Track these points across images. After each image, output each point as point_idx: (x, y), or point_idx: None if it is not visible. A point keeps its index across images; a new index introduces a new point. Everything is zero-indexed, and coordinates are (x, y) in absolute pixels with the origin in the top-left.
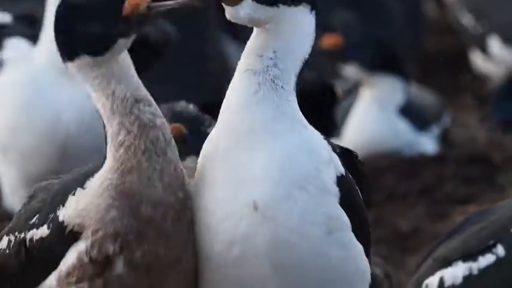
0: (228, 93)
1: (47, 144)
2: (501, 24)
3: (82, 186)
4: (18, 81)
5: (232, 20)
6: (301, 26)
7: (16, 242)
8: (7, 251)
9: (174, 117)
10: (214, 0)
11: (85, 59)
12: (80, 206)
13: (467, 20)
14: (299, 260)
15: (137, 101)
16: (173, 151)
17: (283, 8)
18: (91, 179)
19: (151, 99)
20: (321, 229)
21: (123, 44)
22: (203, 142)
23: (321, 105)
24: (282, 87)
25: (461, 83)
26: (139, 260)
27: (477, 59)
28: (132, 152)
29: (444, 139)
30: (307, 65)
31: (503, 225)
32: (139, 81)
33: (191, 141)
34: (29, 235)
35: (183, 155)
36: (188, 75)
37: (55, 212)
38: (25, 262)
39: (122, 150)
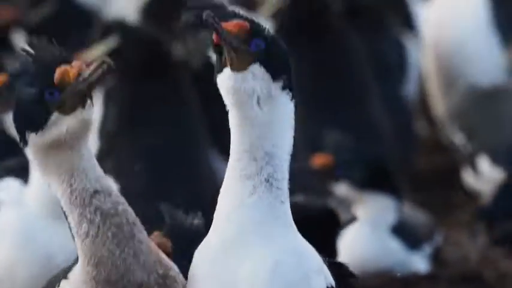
0: (220, 198)
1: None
2: (490, 145)
3: (66, 277)
4: (9, 226)
5: (231, 92)
6: (288, 115)
7: None
8: None
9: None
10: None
11: (32, 138)
12: None
13: (458, 138)
14: None
15: (96, 192)
16: (141, 231)
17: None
18: (72, 271)
19: (112, 188)
20: None
21: (62, 119)
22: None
23: (325, 231)
24: (277, 187)
25: (452, 201)
26: None
27: (468, 177)
28: (99, 241)
29: (436, 258)
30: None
31: None
32: (101, 171)
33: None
34: None
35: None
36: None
37: None
38: None
39: (88, 241)
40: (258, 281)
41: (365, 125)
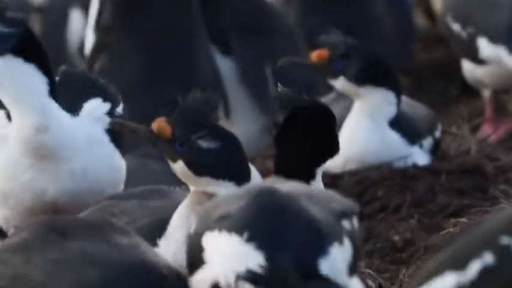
0: None
1: (38, 208)
2: (487, 26)
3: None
4: None
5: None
6: None
7: None
8: None
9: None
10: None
11: None
12: None
13: (455, 27)
14: None
15: None
16: None
17: None
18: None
19: None
20: None
21: None
22: (191, 152)
23: (321, 127)
24: None
25: (452, 94)
26: None
27: (468, 69)
28: None
29: (436, 151)
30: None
31: (492, 233)
32: None
33: (178, 146)
34: None
35: (173, 157)
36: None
37: None
38: None
39: None
40: None
41: (364, 20)
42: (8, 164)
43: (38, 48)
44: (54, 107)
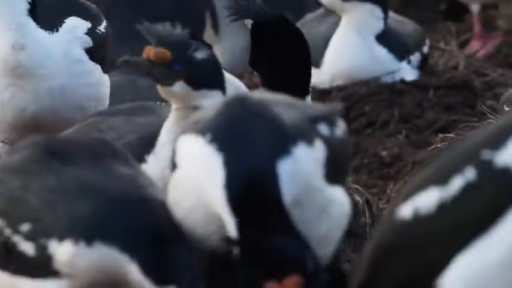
0: None
1: (20, 125)
2: None
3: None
4: None
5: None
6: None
7: None
8: None
9: (159, 41)
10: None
11: None
12: (76, 262)
13: None
14: None
15: None
16: None
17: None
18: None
19: None
20: None
21: None
22: (190, 67)
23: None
24: None
25: (441, 10)
26: None
27: None
28: None
29: (424, 66)
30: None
31: (474, 149)
32: None
33: (177, 66)
34: (14, 238)
35: (169, 81)
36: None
37: (47, 241)
38: (3, 250)
39: None
40: None
41: None
42: None
43: None
44: (31, 25)
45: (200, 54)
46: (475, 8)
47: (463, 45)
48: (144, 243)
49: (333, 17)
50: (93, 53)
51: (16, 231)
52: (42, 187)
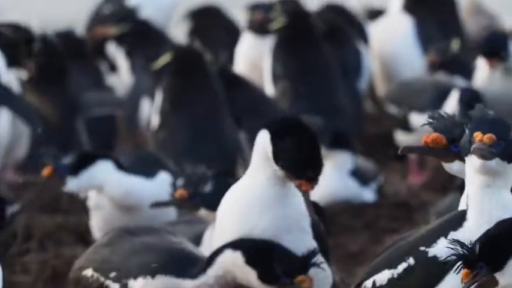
0: (248, 175)
1: None
2: (417, 105)
3: (153, 276)
4: None
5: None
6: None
7: (95, 279)
8: (89, 281)
9: (185, 182)
10: None
11: None
12: None
13: (392, 109)
14: None
15: None
16: None
17: None
18: (161, 276)
19: None
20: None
21: None
22: (203, 199)
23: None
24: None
25: (390, 155)
26: None
27: (400, 137)
28: None
29: (379, 191)
30: None
31: (413, 245)
32: None
33: (196, 199)
34: (106, 282)
35: (195, 208)
36: (206, 145)
37: (127, 280)
38: None
39: None
40: (269, 228)
41: (332, 106)
42: None
43: None
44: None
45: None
46: (412, 155)
47: (405, 178)
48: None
49: None
50: None
51: (107, 277)
52: (122, 250)
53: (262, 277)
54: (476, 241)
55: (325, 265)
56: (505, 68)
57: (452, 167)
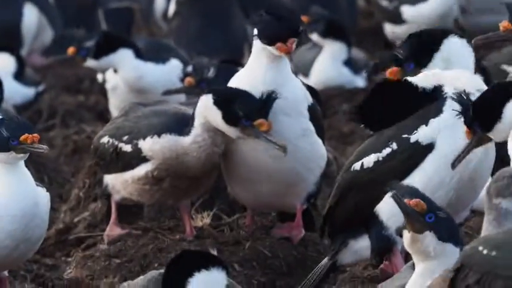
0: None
1: None
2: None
3: (159, 135)
4: None
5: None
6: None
7: (112, 144)
8: (105, 146)
9: (193, 70)
10: None
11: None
12: (154, 147)
13: (385, 4)
14: (289, 150)
15: None
16: (216, 154)
17: None
18: (167, 135)
19: None
20: (296, 135)
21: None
22: (208, 86)
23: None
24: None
25: (380, 44)
26: (177, 184)
27: (388, 29)
28: (200, 151)
29: (369, 78)
30: None
31: (397, 132)
32: None
33: (202, 85)
34: (120, 145)
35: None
36: (216, 35)
37: (138, 141)
38: (114, 158)
39: (196, 147)
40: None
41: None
42: None
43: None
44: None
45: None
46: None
47: None
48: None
49: (317, 47)
50: None
51: (121, 141)
52: (133, 117)
53: (225, 117)
54: (471, 103)
55: (321, 143)
56: None
57: None
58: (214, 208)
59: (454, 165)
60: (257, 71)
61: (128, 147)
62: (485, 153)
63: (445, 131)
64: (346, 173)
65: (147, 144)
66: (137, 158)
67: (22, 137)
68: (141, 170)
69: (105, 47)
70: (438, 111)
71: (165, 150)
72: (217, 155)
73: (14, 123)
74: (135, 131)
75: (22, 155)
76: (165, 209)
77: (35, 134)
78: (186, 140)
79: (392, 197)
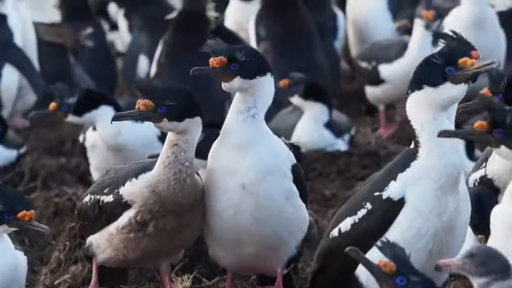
0: (226, 121)
1: None
2: (384, 59)
3: (136, 177)
4: None
5: (228, 91)
6: (267, 86)
7: (94, 200)
8: (88, 204)
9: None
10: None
11: None
12: (133, 190)
13: (364, 65)
14: (270, 215)
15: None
16: (191, 180)
17: (258, 79)
18: (143, 175)
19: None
20: (282, 197)
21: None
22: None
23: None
24: (259, 119)
25: (361, 109)
26: (162, 226)
27: (369, 91)
28: (168, 172)
29: (351, 142)
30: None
31: (369, 191)
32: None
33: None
34: (101, 198)
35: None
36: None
37: (118, 189)
38: (97, 213)
39: (163, 168)
40: (252, 169)
41: (312, 63)
42: None
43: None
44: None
45: None
46: (381, 107)
47: (374, 130)
48: None
49: (299, 111)
50: None
51: (102, 193)
52: (113, 173)
53: None
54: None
55: (303, 206)
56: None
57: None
58: (194, 271)
59: (441, 134)
60: (236, 130)
61: (109, 198)
62: (460, 203)
63: (413, 183)
64: (325, 241)
65: (127, 189)
66: (119, 206)
67: (20, 214)
68: (124, 217)
69: (87, 103)
70: (405, 166)
71: (143, 190)
72: (193, 181)
73: (11, 196)
74: (114, 181)
75: (14, 228)
76: (146, 271)
77: (32, 211)
78: (155, 169)
79: (354, 255)
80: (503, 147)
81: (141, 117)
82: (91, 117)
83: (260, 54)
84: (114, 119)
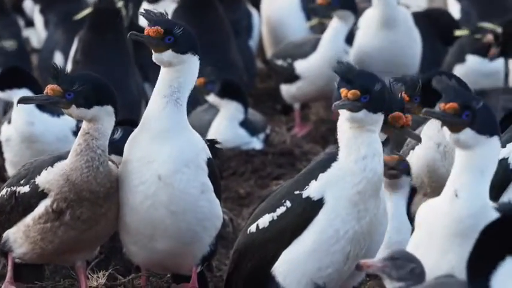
0: (147, 107)
1: None
2: (299, 56)
3: (52, 165)
4: None
5: (157, 63)
6: (193, 67)
7: (10, 192)
8: (4, 197)
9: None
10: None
11: None
12: (49, 178)
13: (280, 63)
14: (185, 208)
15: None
16: (105, 168)
17: (188, 55)
18: (58, 163)
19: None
20: (197, 190)
21: None
22: (111, 148)
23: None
24: (180, 104)
25: (277, 109)
26: (78, 214)
27: (284, 90)
28: (80, 159)
29: (266, 141)
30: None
31: (289, 189)
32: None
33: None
34: (18, 189)
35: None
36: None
37: (34, 179)
38: (14, 205)
39: (75, 156)
40: (168, 160)
41: (227, 61)
42: None
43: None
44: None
45: None
46: (296, 106)
47: (289, 129)
48: None
49: (214, 109)
50: None
51: (19, 184)
52: (28, 166)
53: None
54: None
55: (218, 203)
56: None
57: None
58: (109, 268)
59: (426, 112)
60: (156, 121)
61: (26, 188)
62: (381, 209)
63: (332, 185)
64: (242, 237)
65: (43, 178)
66: (36, 195)
67: None
68: (41, 207)
69: (11, 80)
70: (326, 166)
71: (58, 178)
72: (106, 168)
73: None
74: (31, 171)
75: None
76: (61, 268)
77: None
78: (68, 158)
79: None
80: (468, 130)
81: (48, 101)
82: (10, 95)
83: (194, 35)
84: (20, 101)
